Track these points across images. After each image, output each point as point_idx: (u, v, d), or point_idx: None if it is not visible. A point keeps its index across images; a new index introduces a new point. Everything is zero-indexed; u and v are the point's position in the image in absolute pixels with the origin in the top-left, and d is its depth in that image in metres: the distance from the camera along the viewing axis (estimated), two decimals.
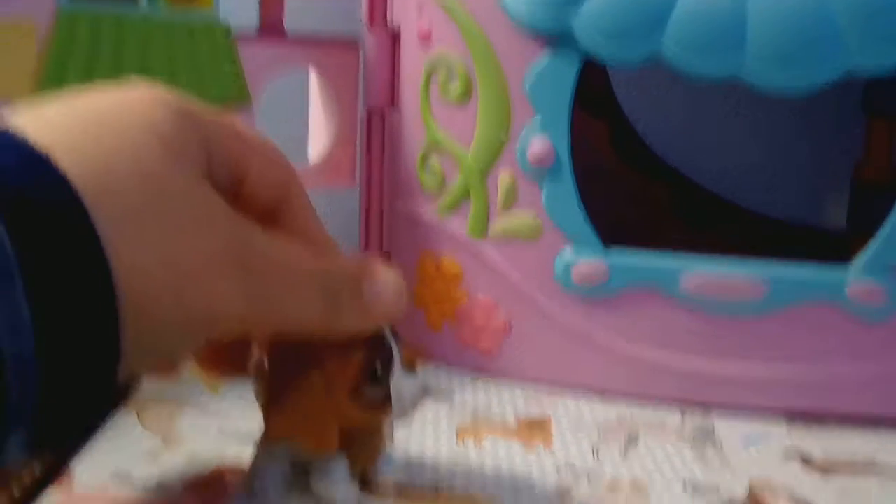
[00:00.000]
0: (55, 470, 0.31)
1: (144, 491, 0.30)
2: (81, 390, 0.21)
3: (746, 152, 0.63)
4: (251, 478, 0.30)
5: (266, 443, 0.30)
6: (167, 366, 0.28)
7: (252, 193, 0.27)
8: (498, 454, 0.34)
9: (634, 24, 0.36)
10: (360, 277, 0.28)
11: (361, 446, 0.30)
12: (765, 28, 0.35)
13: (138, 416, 0.36)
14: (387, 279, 0.28)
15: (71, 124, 0.22)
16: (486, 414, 0.38)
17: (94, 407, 0.22)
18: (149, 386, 0.39)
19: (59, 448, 0.23)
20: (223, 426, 0.36)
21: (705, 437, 0.37)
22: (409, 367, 0.29)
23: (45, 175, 0.20)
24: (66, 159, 0.21)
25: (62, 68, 0.39)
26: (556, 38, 0.38)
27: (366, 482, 0.31)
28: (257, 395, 0.30)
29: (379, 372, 0.28)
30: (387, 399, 0.29)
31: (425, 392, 0.40)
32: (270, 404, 0.30)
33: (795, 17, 0.35)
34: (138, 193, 0.22)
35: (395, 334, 0.29)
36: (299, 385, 0.28)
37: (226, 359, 0.30)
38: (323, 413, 0.29)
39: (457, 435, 0.36)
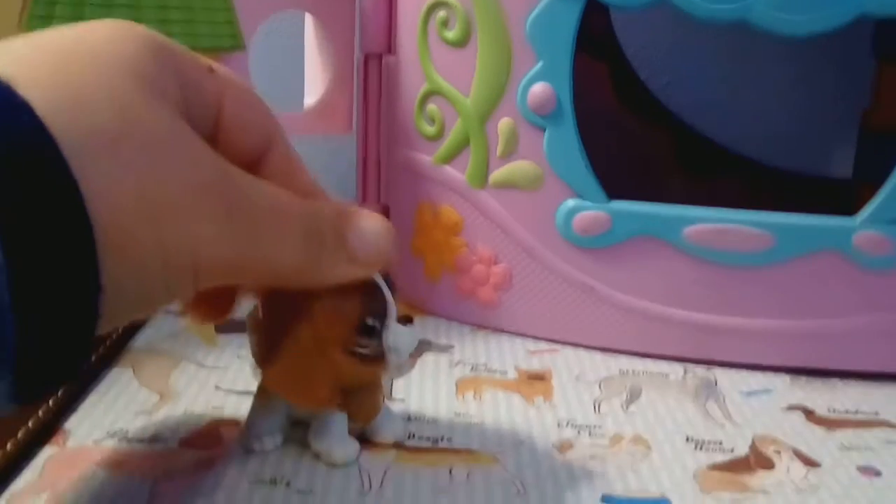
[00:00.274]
0: (50, 426, 0.31)
1: (140, 446, 0.30)
2: (63, 327, 0.20)
3: (750, 100, 0.62)
4: (247, 432, 0.30)
5: (262, 397, 0.30)
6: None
7: (230, 138, 0.26)
8: (498, 408, 0.34)
9: None
10: (343, 222, 0.27)
11: (359, 402, 0.30)
12: None
13: (134, 372, 0.36)
14: (372, 224, 0.27)
15: (36, 56, 0.21)
16: (486, 367, 0.38)
17: (78, 352, 0.21)
18: (144, 341, 0.38)
19: (45, 396, 0.22)
20: (220, 381, 0.35)
21: (708, 392, 0.37)
22: (405, 318, 0.29)
23: (5, 105, 0.19)
24: (30, 89, 0.19)
25: (49, 9, 0.38)
26: None
27: (365, 437, 0.30)
28: (252, 349, 0.30)
29: (372, 325, 0.28)
30: (381, 352, 0.28)
31: (421, 345, 0.39)
32: (264, 359, 0.29)
33: None
34: (111, 123, 0.21)
35: (391, 284, 0.28)
36: (291, 340, 0.28)
37: (216, 305, 0.29)
38: (315, 370, 0.28)
39: (456, 388, 0.36)
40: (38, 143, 0.19)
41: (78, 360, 0.21)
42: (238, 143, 0.26)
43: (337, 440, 0.29)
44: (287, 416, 0.30)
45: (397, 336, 0.28)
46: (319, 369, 0.28)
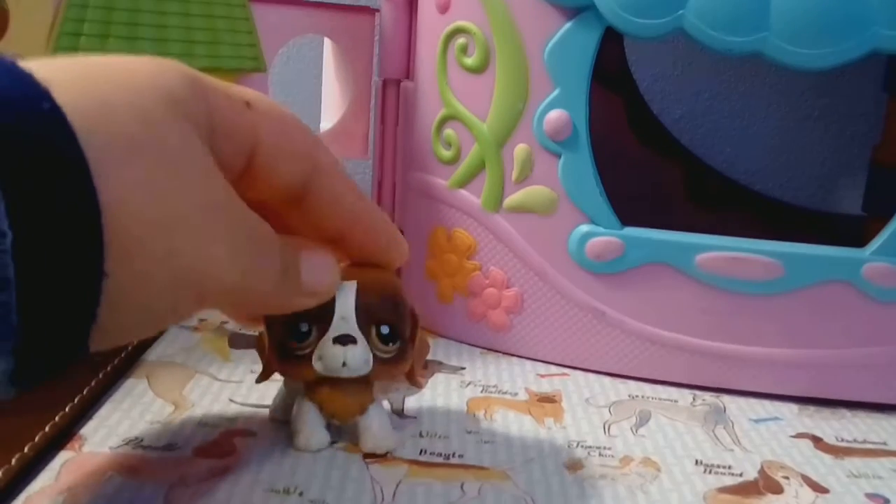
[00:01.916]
0: (67, 432, 0.31)
1: (155, 453, 0.30)
2: (64, 317, 0.20)
3: (761, 135, 0.63)
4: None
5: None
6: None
7: (268, 169, 0.27)
8: (509, 427, 0.34)
9: None
10: (298, 253, 0.28)
11: (329, 398, 0.31)
12: (789, 2, 0.34)
13: (149, 383, 0.36)
14: (323, 257, 0.28)
15: (73, 68, 0.22)
16: (497, 388, 0.38)
17: (78, 339, 0.21)
18: (158, 354, 0.39)
19: (43, 383, 0.22)
20: (233, 394, 0.35)
21: (717, 418, 0.37)
22: (345, 338, 0.29)
23: (35, 99, 0.20)
24: (62, 93, 0.20)
25: (77, 29, 0.39)
26: (577, 9, 0.37)
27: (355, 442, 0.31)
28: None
29: (301, 329, 0.29)
30: (307, 357, 0.29)
31: (432, 364, 0.40)
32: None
33: None
34: (133, 131, 0.21)
35: (381, 300, 0.30)
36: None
37: None
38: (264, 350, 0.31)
39: (468, 407, 0.36)
40: (60, 139, 0.20)
41: (78, 347, 0.21)
42: (277, 171, 0.27)
43: (302, 426, 0.31)
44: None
45: (324, 348, 0.29)
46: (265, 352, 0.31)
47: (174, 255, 0.22)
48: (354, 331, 0.29)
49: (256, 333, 0.32)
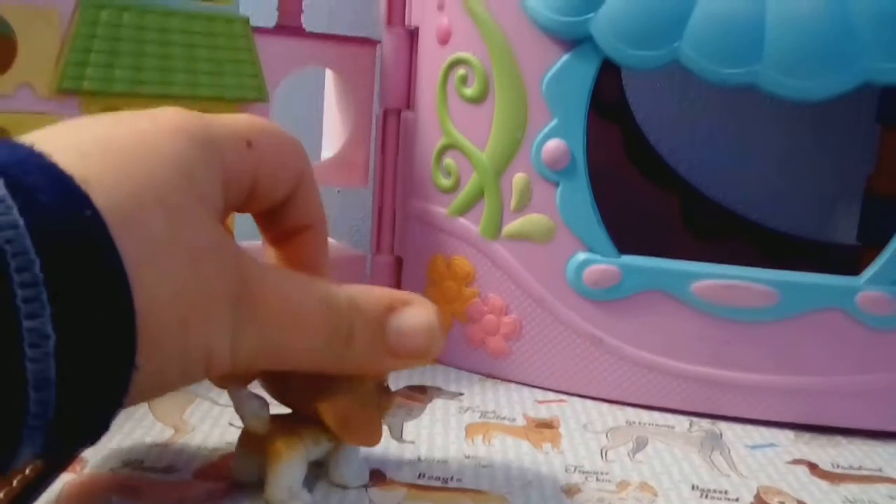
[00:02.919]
0: (67, 456, 0.31)
1: (155, 475, 0.30)
2: (92, 411, 0.22)
3: (756, 165, 0.63)
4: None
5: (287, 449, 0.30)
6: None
7: (266, 192, 0.28)
8: (507, 452, 0.35)
9: (652, 28, 0.37)
10: (385, 316, 0.28)
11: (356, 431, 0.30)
12: (783, 35, 0.35)
13: (150, 407, 0.36)
14: (418, 314, 0.28)
15: (102, 155, 0.23)
16: (495, 414, 0.38)
17: (104, 423, 0.23)
18: None
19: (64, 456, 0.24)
20: (233, 419, 0.36)
21: (713, 444, 0.37)
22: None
23: (78, 207, 0.21)
24: (98, 191, 0.21)
25: (84, 56, 0.39)
26: (575, 41, 0.38)
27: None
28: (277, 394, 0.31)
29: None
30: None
31: (431, 391, 0.40)
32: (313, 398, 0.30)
33: (814, 25, 0.35)
34: (162, 232, 0.22)
35: None
36: (352, 381, 0.30)
37: None
38: (374, 409, 0.31)
39: (466, 432, 0.36)
40: (101, 247, 0.21)
41: (102, 430, 0.23)
42: (270, 197, 0.29)
43: (359, 466, 0.31)
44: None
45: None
46: (371, 410, 0.30)
47: (188, 337, 0.23)
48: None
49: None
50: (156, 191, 0.23)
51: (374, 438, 0.30)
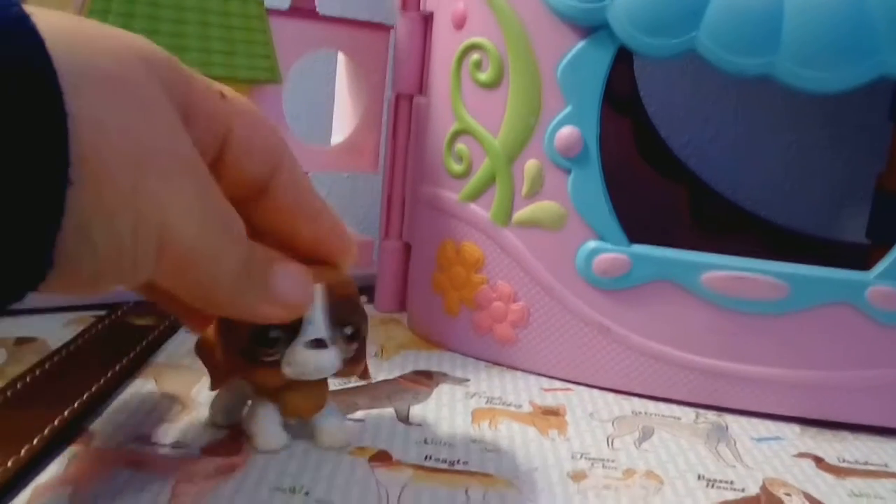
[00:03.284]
0: (76, 426, 0.31)
1: (163, 450, 0.30)
2: (31, 216, 0.20)
3: (767, 161, 0.63)
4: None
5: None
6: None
7: (237, 160, 0.27)
8: (513, 438, 0.34)
9: (669, 16, 0.36)
10: (272, 262, 0.28)
11: (288, 398, 0.31)
12: (800, 26, 0.35)
13: (157, 383, 0.36)
14: (298, 271, 0.28)
15: (59, 14, 0.22)
16: (501, 400, 0.38)
17: (42, 253, 0.21)
18: (166, 356, 0.39)
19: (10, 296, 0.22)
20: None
21: (719, 435, 0.37)
22: (317, 342, 0.29)
23: (14, 22, 0.20)
24: (45, 26, 0.21)
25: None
26: (591, 28, 0.38)
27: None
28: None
29: (271, 336, 0.29)
30: (277, 363, 0.29)
31: (437, 376, 0.40)
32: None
33: (832, 17, 0.35)
34: (111, 68, 0.22)
35: (341, 301, 0.30)
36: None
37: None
38: (217, 355, 0.30)
39: (472, 417, 0.36)
40: (37, 60, 0.20)
41: (43, 258, 0.21)
42: (245, 165, 0.27)
43: (260, 428, 0.31)
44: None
45: (295, 353, 0.29)
46: (220, 357, 0.30)
47: (139, 193, 0.22)
48: (325, 334, 0.29)
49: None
50: (106, 44, 0.22)
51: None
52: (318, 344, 0.29)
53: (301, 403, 0.31)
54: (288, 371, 0.29)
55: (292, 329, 0.29)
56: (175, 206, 0.23)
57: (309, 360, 0.29)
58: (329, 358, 0.30)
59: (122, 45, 0.23)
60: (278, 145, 0.28)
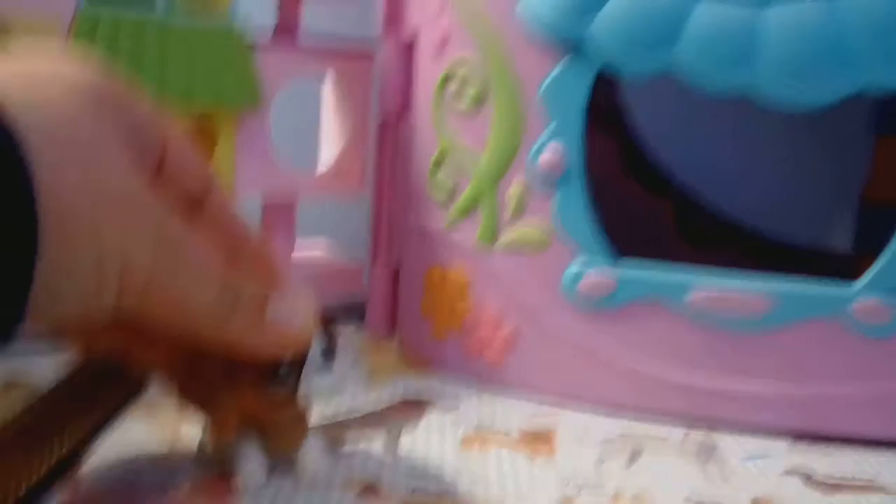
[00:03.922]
0: (63, 469, 0.31)
1: (152, 490, 0.30)
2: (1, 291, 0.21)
3: (753, 173, 0.63)
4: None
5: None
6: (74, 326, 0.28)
7: (171, 178, 0.28)
8: (502, 465, 0.35)
9: (649, 35, 0.37)
10: (269, 290, 0.28)
11: (279, 434, 0.31)
12: (778, 42, 0.35)
13: (145, 420, 0.36)
14: (295, 301, 0.28)
15: (11, 68, 0.23)
16: (490, 425, 0.39)
17: (13, 314, 0.21)
18: (157, 391, 0.39)
19: None
20: None
21: (708, 454, 0.37)
22: (329, 354, 0.30)
23: None
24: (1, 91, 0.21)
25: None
26: (572, 48, 0.38)
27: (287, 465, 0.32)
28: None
29: (283, 372, 0.29)
30: (290, 398, 0.29)
31: (427, 403, 0.40)
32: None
33: (809, 33, 0.35)
34: (65, 126, 0.23)
35: (328, 325, 0.30)
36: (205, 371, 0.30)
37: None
38: (224, 403, 0.30)
39: (461, 444, 0.36)
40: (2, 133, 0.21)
41: (14, 318, 0.21)
42: (178, 183, 0.28)
43: (246, 463, 0.31)
44: None
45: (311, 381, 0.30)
46: (226, 399, 0.30)
47: (99, 235, 0.23)
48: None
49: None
50: (63, 93, 0.23)
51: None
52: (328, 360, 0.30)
53: (288, 439, 0.31)
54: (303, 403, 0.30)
55: (297, 363, 0.30)
56: (132, 243, 0.24)
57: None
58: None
59: (72, 88, 0.24)
60: (207, 169, 0.30)
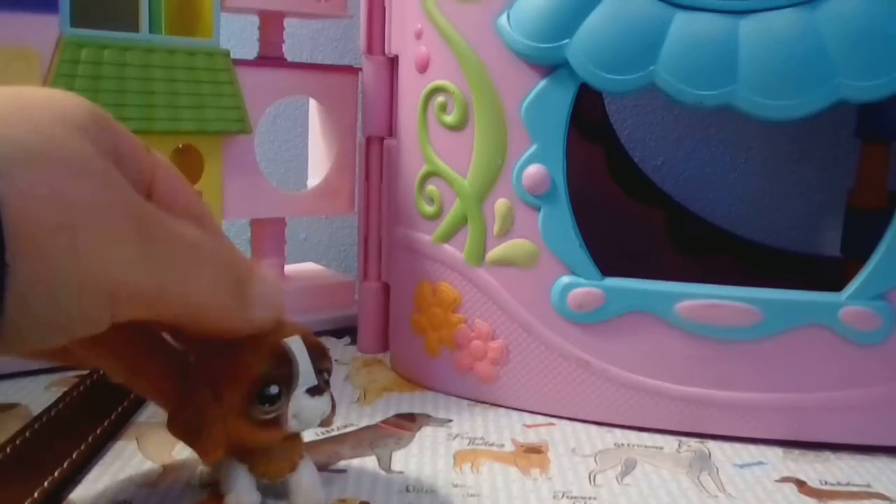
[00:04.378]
0: (55, 497, 0.31)
1: None
2: None
3: (741, 180, 0.64)
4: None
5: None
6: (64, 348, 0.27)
7: (161, 206, 0.27)
8: (495, 480, 0.35)
9: (627, 52, 0.37)
10: (251, 273, 0.28)
11: (262, 459, 0.30)
12: (756, 56, 0.36)
13: (138, 444, 0.36)
14: (269, 276, 0.29)
15: None
16: (483, 440, 0.39)
17: None
18: (148, 415, 0.39)
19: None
20: None
21: (701, 464, 0.37)
22: (316, 389, 0.29)
23: None
24: None
25: (69, 83, 0.40)
26: (552, 66, 0.38)
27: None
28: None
29: (274, 392, 0.29)
30: (280, 418, 0.29)
31: (420, 418, 0.40)
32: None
33: (787, 46, 0.35)
34: (33, 142, 0.22)
35: (317, 352, 0.30)
36: (195, 394, 0.29)
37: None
38: (212, 427, 0.29)
39: (454, 460, 0.36)
40: None
41: None
42: (168, 210, 0.28)
43: (233, 487, 0.30)
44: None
45: (301, 405, 0.29)
46: (216, 427, 0.29)
47: (77, 253, 0.22)
48: (316, 381, 0.30)
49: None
50: (28, 116, 0.23)
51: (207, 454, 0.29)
52: (316, 391, 0.29)
53: (271, 465, 0.31)
54: (294, 424, 0.29)
55: (286, 383, 0.29)
56: (119, 257, 0.23)
57: (316, 408, 0.29)
58: (326, 402, 0.30)
59: (51, 117, 0.23)
60: (196, 197, 0.30)
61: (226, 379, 0.28)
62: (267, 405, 0.29)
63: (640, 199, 0.57)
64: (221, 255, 0.27)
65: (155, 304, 0.25)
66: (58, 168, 0.22)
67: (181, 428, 0.29)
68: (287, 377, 0.29)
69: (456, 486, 0.34)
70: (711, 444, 0.39)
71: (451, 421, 0.41)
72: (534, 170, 0.39)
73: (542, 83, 0.39)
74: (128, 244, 0.24)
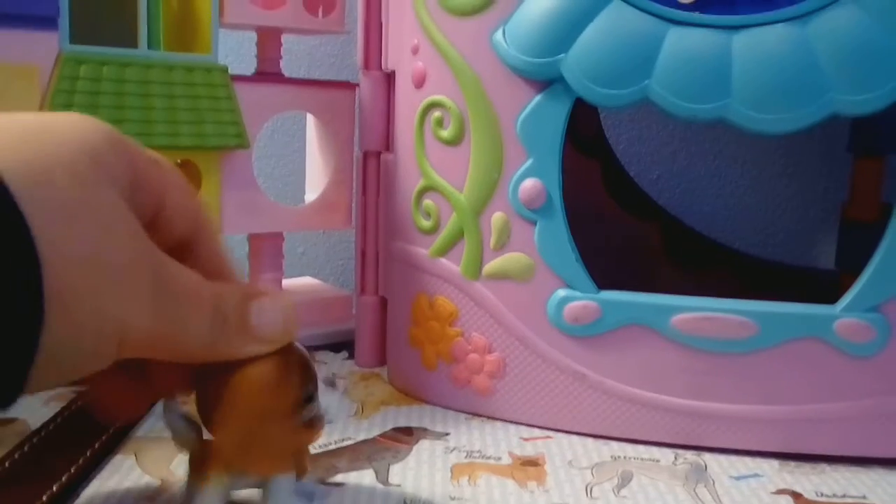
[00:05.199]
0: None
1: None
2: (5, 363, 0.21)
3: (736, 193, 0.64)
4: None
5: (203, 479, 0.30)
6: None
7: (168, 221, 0.29)
8: (492, 492, 0.35)
9: (622, 67, 0.37)
10: (246, 300, 0.29)
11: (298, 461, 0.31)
12: (749, 70, 0.36)
13: (136, 459, 0.36)
14: (272, 304, 0.29)
15: (12, 132, 0.23)
16: (480, 453, 0.39)
17: (15, 387, 0.22)
18: (146, 430, 0.39)
19: None
20: None
21: (698, 476, 0.37)
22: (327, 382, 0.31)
23: None
24: (2, 157, 0.22)
25: (64, 111, 0.40)
26: (547, 81, 0.39)
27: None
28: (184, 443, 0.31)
29: (311, 394, 0.30)
30: (319, 416, 0.30)
31: (417, 431, 0.41)
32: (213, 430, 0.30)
33: (780, 60, 0.36)
34: (70, 200, 0.23)
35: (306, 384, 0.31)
36: (236, 413, 0.29)
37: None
38: (271, 439, 0.29)
39: (452, 473, 0.36)
40: (4, 209, 0.21)
41: (11, 393, 0.22)
42: (175, 224, 0.29)
43: (292, 498, 0.30)
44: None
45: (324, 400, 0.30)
46: (276, 438, 0.29)
47: (101, 308, 0.23)
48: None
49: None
50: (61, 159, 0.23)
51: (273, 468, 0.30)
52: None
53: (303, 464, 0.31)
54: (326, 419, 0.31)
55: (314, 383, 0.30)
56: (131, 308, 0.24)
57: (329, 404, 0.31)
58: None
59: (71, 151, 0.24)
60: (201, 209, 0.31)
61: (268, 391, 0.29)
62: (309, 406, 0.30)
63: (636, 212, 0.57)
64: (213, 294, 0.28)
65: (153, 347, 0.26)
66: (91, 225, 0.23)
67: (247, 451, 0.29)
68: (315, 378, 0.30)
69: (453, 499, 0.34)
70: (707, 457, 0.39)
71: (448, 434, 0.41)
72: (530, 184, 0.39)
73: (538, 98, 0.39)
74: (143, 295, 0.25)
